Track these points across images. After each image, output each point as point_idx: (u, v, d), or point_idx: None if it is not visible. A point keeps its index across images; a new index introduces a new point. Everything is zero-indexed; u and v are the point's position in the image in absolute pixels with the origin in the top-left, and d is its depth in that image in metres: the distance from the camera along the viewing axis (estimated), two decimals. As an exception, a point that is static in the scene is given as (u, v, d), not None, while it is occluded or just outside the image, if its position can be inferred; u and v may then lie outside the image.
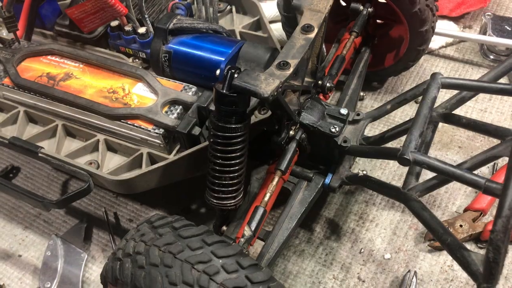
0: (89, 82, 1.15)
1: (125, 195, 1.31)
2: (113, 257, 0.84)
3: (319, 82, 1.11)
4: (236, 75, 0.85)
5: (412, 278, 1.06)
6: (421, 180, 0.95)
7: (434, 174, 0.93)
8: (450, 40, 1.52)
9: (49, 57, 1.23)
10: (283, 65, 0.90)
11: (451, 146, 1.30)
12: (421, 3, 1.19)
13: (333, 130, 1.03)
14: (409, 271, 1.08)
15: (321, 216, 1.21)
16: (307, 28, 0.97)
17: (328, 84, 1.10)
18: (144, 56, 1.22)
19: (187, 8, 1.30)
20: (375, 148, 1.00)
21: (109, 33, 1.24)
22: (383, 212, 1.20)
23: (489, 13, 1.48)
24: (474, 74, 1.45)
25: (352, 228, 1.18)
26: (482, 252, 1.10)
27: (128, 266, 0.79)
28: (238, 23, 1.32)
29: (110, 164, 1.09)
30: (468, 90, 0.97)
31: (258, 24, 1.32)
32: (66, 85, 1.15)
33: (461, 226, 1.11)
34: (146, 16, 1.20)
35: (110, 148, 1.11)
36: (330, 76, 1.13)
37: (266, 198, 0.95)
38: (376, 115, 1.06)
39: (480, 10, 1.57)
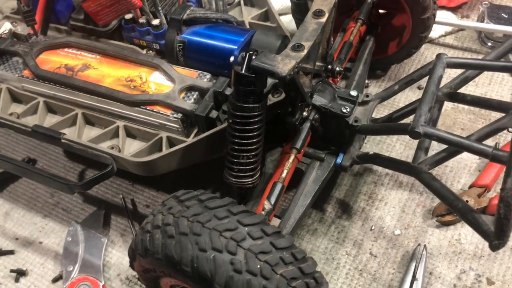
0: (107, 72, 1.20)
1: (141, 182, 1.35)
2: (142, 231, 0.88)
3: (329, 66, 1.16)
4: (254, 57, 0.91)
5: (422, 251, 1.11)
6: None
7: (442, 149, 0.99)
8: (449, 29, 1.58)
9: (66, 49, 1.27)
10: (298, 47, 0.96)
11: (454, 129, 1.35)
12: (422, -9, 1.25)
13: (344, 110, 1.07)
14: (419, 244, 1.13)
15: (332, 197, 1.25)
16: (319, 13, 1.03)
17: (337, 68, 1.15)
18: (158, 47, 1.27)
19: (197, 0, 1.35)
20: (386, 125, 1.05)
21: (123, 25, 1.28)
22: (391, 191, 1.25)
23: (486, 2, 1.54)
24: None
25: (362, 207, 1.23)
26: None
27: (158, 236, 0.83)
28: (246, 14, 1.37)
29: (131, 148, 1.13)
30: (471, 69, 1.03)
31: (266, 15, 1.37)
32: (84, 75, 1.19)
33: (467, 201, 1.16)
34: (160, 8, 1.25)
35: (129, 134, 1.16)
36: (339, 60, 1.18)
37: (284, 175, 1.00)
38: (385, 96, 1.11)
39: (477, 0, 1.63)
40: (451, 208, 0.86)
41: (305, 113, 1.07)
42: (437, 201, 1.20)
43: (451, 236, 1.15)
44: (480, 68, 1.02)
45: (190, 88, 1.13)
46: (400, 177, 1.27)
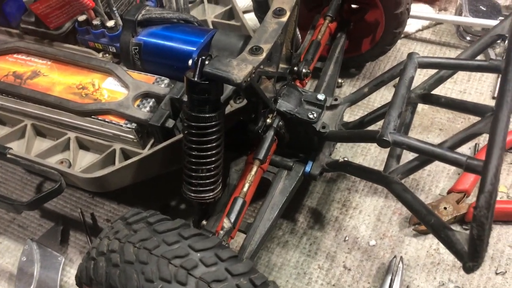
0: (57, 79, 1.11)
1: (101, 195, 1.27)
2: (87, 257, 0.80)
3: (295, 68, 1.08)
4: (207, 62, 0.83)
5: (398, 264, 1.04)
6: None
7: (415, 156, 0.91)
8: (426, 23, 1.51)
9: (15, 55, 1.18)
10: (256, 50, 0.88)
11: (432, 129, 1.28)
12: (394, -16, 1.18)
13: (311, 116, 1.00)
14: (394, 256, 1.06)
15: (304, 205, 1.18)
16: (279, 12, 0.95)
17: (304, 70, 1.08)
18: (114, 50, 1.18)
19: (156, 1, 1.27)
20: (354, 132, 0.98)
21: (77, 28, 1.19)
22: (366, 198, 1.18)
23: (464, -6, 1.47)
24: (452, 55, 1.44)
25: (336, 216, 1.16)
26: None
27: (102, 265, 0.76)
28: (210, 13, 1.29)
29: (83, 162, 1.05)
30: (445, 69, 0.95)
31: (231, 14, 1.29)
32: (33, 83, 1.10)
33: (445, 208, 1.10)
34: (114, 8, 1.16)
35: (82, 146, 1.07)
36: (306, 61, 1.11)
37: (245, 189, 0.93)
38: (354, 99, 1.04)
39: (454, -9, 1.56)
40: (423, 223, 0.79)
41: (269, 120, 0.99)
42: (414, 208, 1.13)
43: (429, 245, 1.09)
44: (454, 68, 0.95)
45: (145, 95, 1.05)
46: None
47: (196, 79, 0.83)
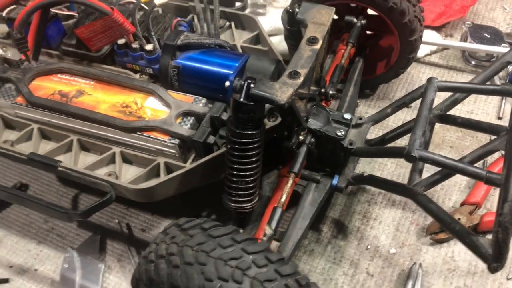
0: (101, 98, 1.20)
1: (136, 206, 1.35)
2: (145, 261, 0.88)
3: (322, 89, 1.18)
4: (252, 85, 0.92)
5: (418, 270, 1.13)
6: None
7: (435, 170, 1.01)
8: (434, 48, 1.62)
9: (59, 75, 1.27)
10: (294, 75, 0.98)
11: (443, 146, 1.39)
12: (410, 14, 1.29)
13: (339, 134, 1.10)
14: (414, 263, 1.15)
15: (327, 217, 1.27)
16: (313, 40, 1.05)
17: (331, 92, 1.18)
18: (151, 72, 1.27)
19: (189, 25, 1.36)
20: (380, 148, 1.07)
21: (116, 50, 1.28)
22: (385, 210, 1.27)
23: (469, 22, 1.59)
24: (458, 79, 1.56)
25: (357, 227, 1.25)
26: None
27: (163, 266, 0.84)
28: (238, 38, 1.39)
29: (127, 175, 1.13)
30: (461, 92, 1.06)
31: (258, 38, 1.39)
32: (79, 102, 1.19)
33: (459, 219, 1.19)
34: (153, 33, 1.26)
35: (126, 160, 1.16)
36: (332, 84, 1.21)
37: (283, 199, 1.02)
38: (377, 119, 1.14)
39: (459, 19, 1.68)
40: (448, 231, 0.89)
41: (301, 137, 1.08)
42: (430, 219, 1.23)
43: (445, 253, 1.18)
44: (470, 92, 1.06)
45: (186, 114, 1.14)
46: (393, 195, 1.30)
47: (242, 100, 0.92)
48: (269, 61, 1.19)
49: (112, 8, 1.19)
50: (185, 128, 1.11)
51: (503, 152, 1.13)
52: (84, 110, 1.16)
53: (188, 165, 1.09)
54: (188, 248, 0.84)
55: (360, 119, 1.14)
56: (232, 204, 1.03)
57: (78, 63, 1.33)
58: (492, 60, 1.55)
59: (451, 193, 1.28)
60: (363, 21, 1.33)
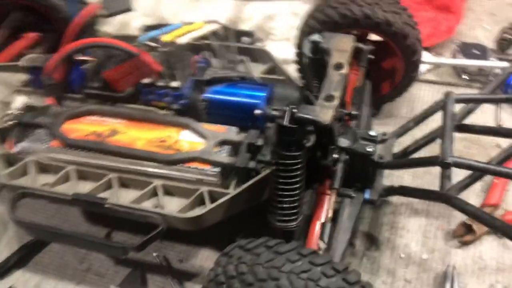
0: (136, 135, 1.24)
1: (169, 238, 1.38)
2: (214, 284, 0.92)
3: (345, 110, 1.27)
4: (295, 110, 0.99)
5: (453, 272, 1.21)
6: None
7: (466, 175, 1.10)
8: (428, 66, 1.74)
9: (88, 117, 1.31)
10: (330, 98, 1.06)
11: (453, 156, 1.49)
12: (412, 37, 1.40)
13: (368, 149, 1.18)
14: (448, 265, 1.22)
15: (358, 231, 1.34)
16: (339, 65, 1.14)
17: (353, 112, 1.26)
18: (178, 107, 1.33)
19: (207, 62, 1.44)
20: (413, 159, 1.16)
21: (141, 89, 1.34)
22: (409, 219, 1.35)
23: (458, 41, 1.73)
24: (456, 92, 1.67)
25: (387, 237, 1.32)
26: (502, 241, 1.27)
27: (237, 286, 0.88)
28: (253, 70, 1.46)
29: (170, 206, 1.16)
30: (477, 102, 1.16)
31: (271, 69, 1.47)
32: (115, 140, 1.23)
33: (481, 221, 1.28)
34: (178, 71, 1.32)
35: (167, 192, 1.19)
36: (353, 105, 1.29)
37: (330, 214, 1.08)
38: (401, 133, 1.23)
39: (447, 40, 1.82)
40: (490, 228, 0.97)
41: (335, 155, 1.16)
42: (453, 223, 1.32)
43: (473, 254, 1.26)
44: (484, 101, 1.16)
45: (222, 143, 1.20)
46: (415, 205, 1.38)
47: (288, 124, 0.99)
48: (294, 88, 1.27)
49: (140, 50, 1.25)
50: (223, 156, 1.17)
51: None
52: (124, 148, 1.20)
53: (233, 191, 1.14)
54: (259, 266, 0.89)
55: (384, 134, 1.23)
56: (279, 223, 1.08)
57: (103, 104, 1.37)
58: (483, 74, 1.67)
59: (469, 198, 1.37)
60: (370, 47, 1.43)
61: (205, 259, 1.35)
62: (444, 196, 1.07)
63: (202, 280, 1.29)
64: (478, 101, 1.15)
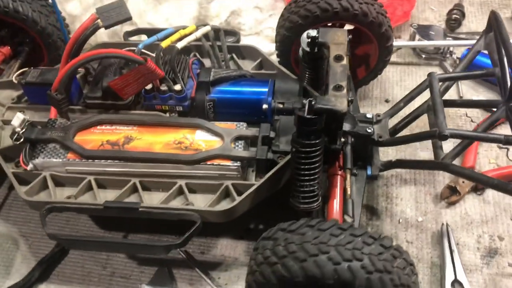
0: (152, 140, 1.30)
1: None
2: (268, 263, 1.02)
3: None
4: (313, 102, 1.11)
5: (447, 229, 1.38)
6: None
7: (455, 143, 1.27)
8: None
9: (98, 127, 1.35)
10: (339, 87, 1.17)
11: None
12: (385, 24, 1.55)
13: (368, 130, 1.32)
14: (442, 224, 1.40)
15: (359, 204, 1.48)
16: (339, 57, 1.26)
17: (350, 98, 1.39)
18: (181, 109, 1.40)
19: (200, 62, 1.51)
20: (410, 135, 1.31)
21: (144, 95, 1.39)
22: (401, 188, 1.52)
23: (415, 24, 1.91)
24: (418, 71, 1.86)
25: (385, 207, 1.48)
26: (482, 197, 1.47)
27: (292, 263, 0.99)
28: (244, 67, 1.55)
29: (198, 202, 1.24)
30: (456, 80, 1.34)
31: (261, 65, 1.57)
32: (132, 147, 1.29)
33: (463, 182, 1.46)
34: (179, 75, 1.39)
35: (190, 190, 1.27)
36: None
37: (349, 191, 1.21)
38: (392, 113, 1.38)
39: (404, 23, 2.00)
40: (488, 186, 1.14)
41: (343, 139, 1.29)
42: (438, 187, 1.50)
43: (460, 211, 1.45)
44: (462, 79, 1.34)
45: (237, 138, 1.29)
46: (403, 175, 1.55)
47: (307, 115, 1.10)
48: (293, 82, 1.38)
49: (145, 58, 1.30)
50: (241, 150, 1.26)
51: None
52: (145, 153, 1.26)
53: (257, 181, 1.23)
54: (308, 243, 1.00)
55: (378, 116, 1.37)
56: (303, 206, 1.20)
57: (103, 113, 1.40)
58: (439, 52, 1.87)
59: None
60: (350, 36, 1.57)
61: (224, 248, 1.43)
62: (442, 165, 1.24)
63: (226, 267, 1.39)
64: (457, 79, 1.32)
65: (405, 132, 1.43)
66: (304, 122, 1.12)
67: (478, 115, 1.67)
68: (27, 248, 1.46)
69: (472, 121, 1.63)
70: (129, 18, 1.33)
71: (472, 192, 1.48)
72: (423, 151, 1.60)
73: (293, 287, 1.00)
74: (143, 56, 1.31)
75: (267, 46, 1.86)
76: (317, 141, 1.15)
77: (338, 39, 1.29)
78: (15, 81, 1.44)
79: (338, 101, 1.11)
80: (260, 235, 1.44)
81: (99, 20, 1.31)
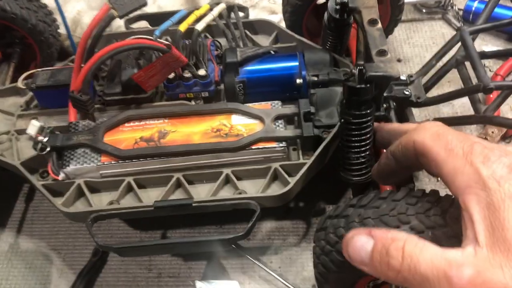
0: (189, 131, 1.23)
1: (224, 222, 1.41)
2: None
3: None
4: (364, 70, 1.07)
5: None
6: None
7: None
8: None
9: (126, 124, 1.27)
10: (382, 52, 1.14)
11: (443, 82, 1.65)
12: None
13: (406, 93, 1.29)
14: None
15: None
16: (373, 21, 1.21)
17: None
18: (207, 95, 1.33)
19: (215, 44, 1.43)
20: (452, 92, 1.29)
21: (166, 85, 1.32)
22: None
23: (414, -21, 1.89)
24: (423, 27, 1.84)
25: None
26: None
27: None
28: (261, 43, 1.48)
29: (248, 189, 1.19)
30: (489, 30, 1.32)
31: (276, 39, 1.51)
32: (170, 141, 1.22)
33: (492, 132, 1.48)
34: (201, 59, 1.32)
35: (237, 178, 1.21)
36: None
37: (403, 157, 1.19)
38: (425, 71, 1.36)
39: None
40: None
41: (385, 104, 1.26)
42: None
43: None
44: (493, 28, 1.32)
45: (277, 118, 1.24)
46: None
47: (359, 85, 1.07)
48: (322, 52, 1.33)
49: (169, 45, 1.22)
50: (285, 130, 1.22)
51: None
52: (186, 146, 1.19)
53: (306, 160, 1.19)
54: (386, 216, 0.97)
55: (411, 76, 1.35)
56: (355, 178, 1.17)
57: (126, 108, 1.32)
58: (440, 5, 1.86)
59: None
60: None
61: (269, 231, 1.40)
62: (485, 118, 1.23)
63: (275, 250, 1.36)
64: (487, 30, 1.31)
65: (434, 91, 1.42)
66: (355, 92, 1.08)
67: (491, 64, 1.69)
68: (61, 261, 1.38)
69: (490, 70, 1.64)
70: (145, 4, 1.24)
71: (501, 140, 1.50)
72: (446, 106, 1.60)
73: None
74: (167, 43, 1.22)
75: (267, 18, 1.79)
76: (368, 111, 1.11)
77: (368, 3, 1.25)
78: (23, 86, 1.33)
79: (389, 67, 1.07)
80: (302, 213, 1.43)
81: (112, 10, 1.21)
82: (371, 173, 1.14)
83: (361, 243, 0.68)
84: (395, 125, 1.04)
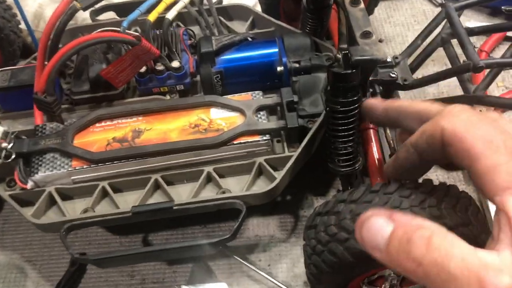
0: (165, 128, 1.15)
1: (208, 221, 1.34)
2: (337, 240, 0.93)
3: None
4: (349, 55, 1.00)
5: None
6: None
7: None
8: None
9: (97, 124, 1.18)
10: (367, 34, 1.07)
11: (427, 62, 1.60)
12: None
13: (392, 75, 1.23)
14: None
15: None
16: (356, 1, 1.14)
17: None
18: (183, 88, 1.25)
19: (188, 33, 1.35)
20: (440, 72, 1.23)
21: (138, 80, 1.23)
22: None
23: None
24: (403, 5, 1.78)
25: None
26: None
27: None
28: (237, 29, 1.40)
29: (232, 187, 1.12)
30: (475, 5, 1.26)
31: (252, 24, 1.43)
32: (145, 140, 1.14)
33: (480, 111, 1.43)
34: (174, 49, 1.23)
35: (220, 175, 1.14)
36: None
37: (393, 145, 1.13)
38: (411, 52, 1.29)
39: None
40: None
41: (371, 89, 1.19)
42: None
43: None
44: (480, 3, 1.26)
45: (259, 109, 1.17)
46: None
47: (345, 71, 0.99)
48: (302, 36, 1.26)
49: (138, 37, 1.13)
50: (268, 122, 1.14)
51: None
52: (163, 144, 1.11)
53: (291, 153, 1.12)
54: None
55: (396, 58, 1.28)
56: (344, 169, 1.10)
57: (97, 107, 1.24)
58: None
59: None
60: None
61: (256, 227, 1.33)
62: (475, 98, 1.18)
63: (264, 247, 1.29)
64: (475, 4, 1.25)
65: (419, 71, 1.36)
66: (341, 78, 1.01)
67: (474, 40, 1.63)
68: (37, 273, 1.30)
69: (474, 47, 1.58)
70: (109, -6, 1.14)
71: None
72: (431, 86, 1.55)
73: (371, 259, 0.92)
74: (136, 35, 1.13)
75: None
76: (355, 97, 1.05)
77: (348, -18, 1.17)
78: (-18, 89, 1.23)
79: (374, 49, 1.01)
80: (289, 206, 1.37)
81: (75, 2, 1.11)
82: (384, 170, 1.07)
83: (379, 225, 0.58)
84: (405, 103, 0.87)
